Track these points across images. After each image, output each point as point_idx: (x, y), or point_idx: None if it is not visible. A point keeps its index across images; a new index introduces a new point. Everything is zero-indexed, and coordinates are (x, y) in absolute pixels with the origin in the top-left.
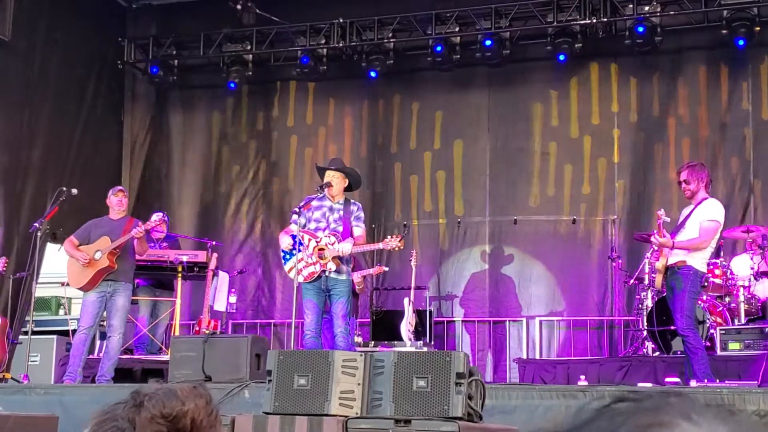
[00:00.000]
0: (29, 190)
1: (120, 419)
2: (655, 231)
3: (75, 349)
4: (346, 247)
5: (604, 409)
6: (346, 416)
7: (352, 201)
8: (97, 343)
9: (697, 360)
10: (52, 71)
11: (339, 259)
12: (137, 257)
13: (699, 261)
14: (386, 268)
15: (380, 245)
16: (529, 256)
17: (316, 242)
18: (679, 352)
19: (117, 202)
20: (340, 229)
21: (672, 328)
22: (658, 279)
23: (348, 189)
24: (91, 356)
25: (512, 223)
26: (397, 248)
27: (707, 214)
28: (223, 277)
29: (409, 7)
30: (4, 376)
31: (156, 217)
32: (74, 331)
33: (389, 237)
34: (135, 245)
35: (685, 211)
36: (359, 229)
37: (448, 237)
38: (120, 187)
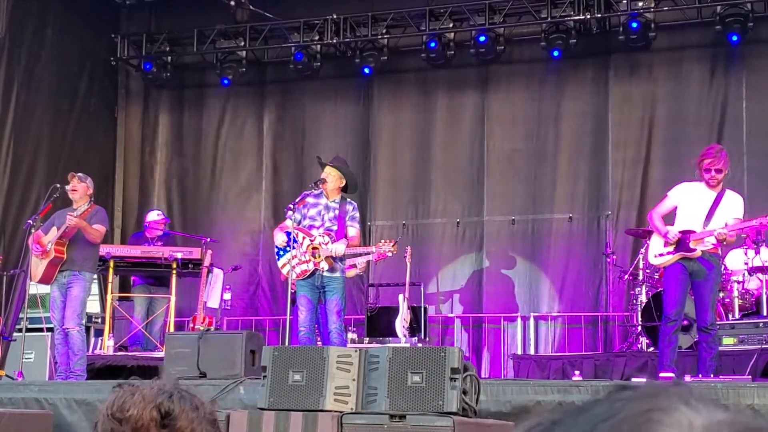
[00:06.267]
0: (21, 187)
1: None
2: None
3: (59, 348)
4: (339, 248)
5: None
6: (341, 412)
7: (348, 200)
8: (92, 340)
9: (713, 356)
10: (44, 68)
11: (332, 258)
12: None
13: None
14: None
15: (373, 249)
16: (526, 254)
17: (311, 241)
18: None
19: (69, 190)
20: (335, 228)
21: None
22: (672, 259)
23: (344, 190)
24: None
25: (510, 223)
26: (389, 252)
27: (738, 210)
28: (218, 274)
29: (403, 3)
30: None
31: (79, 211)
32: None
33: (383, 241)
34: (84, 234)
35: (702, 197)
36: (354, 230)
37: (447, 237)
38: (76, 173)
